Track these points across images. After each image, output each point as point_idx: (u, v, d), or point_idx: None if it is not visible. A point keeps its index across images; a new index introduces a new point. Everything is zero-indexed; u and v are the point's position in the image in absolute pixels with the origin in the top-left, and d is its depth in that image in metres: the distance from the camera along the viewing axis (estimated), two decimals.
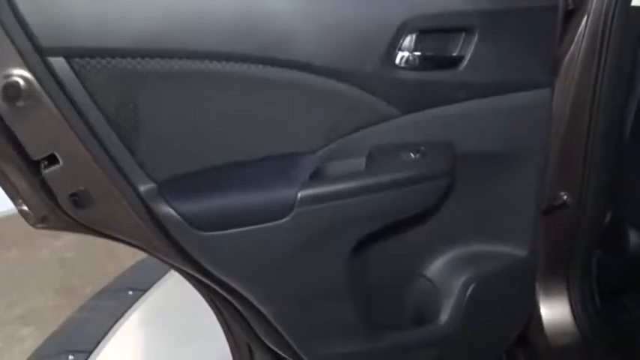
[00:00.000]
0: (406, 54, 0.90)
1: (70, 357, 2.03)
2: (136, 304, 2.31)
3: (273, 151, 0.89)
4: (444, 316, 1.08)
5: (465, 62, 0.92)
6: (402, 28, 0.87)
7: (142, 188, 0.82)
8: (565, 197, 1.23)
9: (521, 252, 1.10)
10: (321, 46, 0.84)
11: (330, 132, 0.92)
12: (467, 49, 0.92)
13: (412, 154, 0.94)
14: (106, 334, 2.17)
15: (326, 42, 0.84)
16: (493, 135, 1.00)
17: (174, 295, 2.25)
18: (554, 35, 0.98)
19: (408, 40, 0.89)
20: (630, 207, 1.31)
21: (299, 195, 0.86)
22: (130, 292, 2.37)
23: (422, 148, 0.94)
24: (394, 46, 0.88)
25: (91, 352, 2.04)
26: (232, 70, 0.81)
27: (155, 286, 2.38)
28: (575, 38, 1.08)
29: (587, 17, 1.05)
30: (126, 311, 2.28)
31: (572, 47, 1.09)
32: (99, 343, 2.10)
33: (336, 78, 0.87)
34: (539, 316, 1.26)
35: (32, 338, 2.37)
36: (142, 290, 2.37)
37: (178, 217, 0.81)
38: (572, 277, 1.29)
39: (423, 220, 1.03)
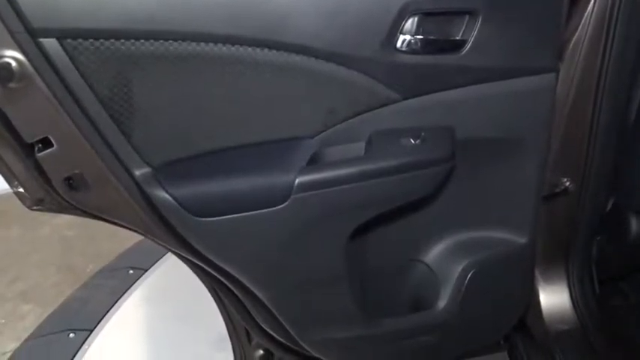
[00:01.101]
0: (407, 37, 0.88)
1: (71, 335, 2.04)
2: (137, 283, 2.32)
3: (271, 136, 0.88)
4: (442, 302, 1.08)
5: (467, 46, 0.90)
6: (403, 10, 0.85)
7: (137, 172, 0.81)
8: (567, 183, 1.22)
9: (520, 238, 1.09)
10: (320, 29, 0.82)
11: (329, 117, 0.90)
12: (470, 33, 0.90)
13: (412, 140, 0.92)
14: (106, 312, 2.18)
15: (325, 25, 0.82)
16: (495, 121, 0.98)
17: (175, 275, 2.26)
18: (560, 19, 0.95)
19: (410, 23, 0.87)
20: (631, 194, 1.30)
21: (296, 181, 0.84)
22: (131, 271, 2.38)
23: (422, 133, 0.93)
24: (395, 29, 0.86)
25: (91, 331, 2.06)
26: (228, 53, 0.79)
27: (156, 265, 2.39)
28: (581, 23, 1.06)
29: (594, 1, 1.03)
30: (127, 290, 2.29)
31: (577, 32, 1.07)
32: (100, 321, 2.11)
33: (336, 62, 0.85)
34: (538, 303, 1.25)
35: (33, 315, 2.39)
36: (142, 269, 2.38)
37: (174, 202, 0.80)
38: (572, 264, 1.29)
39: (422, 206, 1.02)
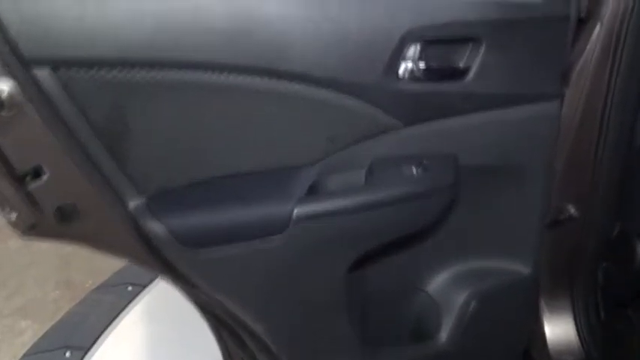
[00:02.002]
0: (409, 65, 0.86)
1: (67, 353, 2.01)
2: (136, 299, 2.29)
3: (269, 165, 0.86)
4: (444, 333, 1.05)
5: (471, 73, 0.88)
6: (405, 37, 0.83)
7: (131, 203, 0.79)
8: (571, 210, 1.20)
9: (524, 268, 1.07)
10: (320, 57, 0.80)
11: (329, 144, 0.88)
12: (473, 60, 0.88)
13: (414, 168, 0.90)
14: (104, 330, 2.15)
15: (325, 52, 0.80)
16: (498, 148, 0.96)
17: (174, 292, 2.22)
18: (565, 46, 0.93)
19: (412, 51, 0.85)
20: (638, 219, 1.27)
21: (295, 211, 0.82)
22: (130, 288, 2.35)
23: (424, 161, 0.91)
24: (397, 56, 0.84)
25: (88, 349, 2.03)
26: (227, 81, 0.77)
27: (155, 282, 2.36)
28: (587, 47, 1.04)
29: (600, 25, 1.01)
30: (125, 307, 2.26)
31: (583, 56, 1.05)
32: (97, 339, 2.08)
33: (336, 89, 0.83)
34: (542, 333, 1.23)
35: (31, 331, 2.36)
36: (141, 286, 2.35)
37: (168, 233, 0.78)
38: (577, 292, 1.26)
39: (424, 235, 0.99)
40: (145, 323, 2.18)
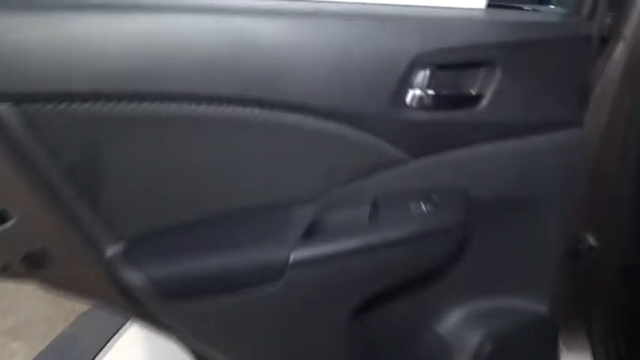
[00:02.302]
0: (418, 92, 0.78)
1: None
2: (129, 322, 2.21)
3: (262, 203, 0.78)
4: None
5: (484, 100, 0.80)
6: (414, 63, 0.75)
7: (108, 249, 0.71)
8: (590, 240, 1.12)
9: (541, 307, 0.99)
10: (319, 85, 0.72)
11: (330, 179, 0.80)
12: (487, 86, 0.80)
13: (422, 205, 0.82)
14: (97, 354, 2.07)
15: (325, 80, 0.73)
16: (514, 180, 0.88)
17: None
18: (588, 68, 0.85)
19: (421, 77, 0.77)
20: None
21: (292, 256, 0.74)
22: None
23: (434, 197, 0.83)
24: (404, 83, 0.76)
25: None
26: (212, 113, 0.69)
27: None
28: (608, 67, 0.96)
29: (624, 43, 0.93)
30: (118, 330, 2.18)
31: (603, 78, 0.97)
32: None
33: (337, 120, 0.75)
34: None
35: (23, 353, 2.28)
36: None
37: (149, 283, 0.70)
38: (595, 327, 1.18)
39: (433, 275, 0.91)
40: (140, 345, 2.10)
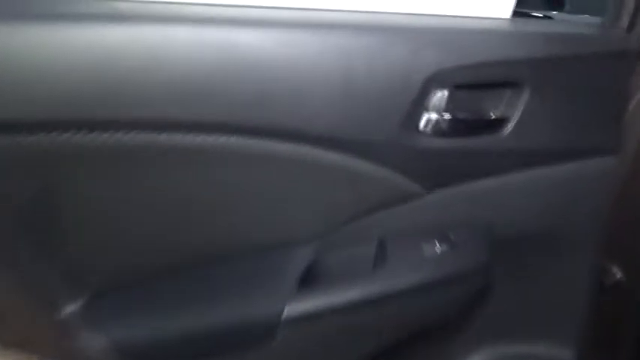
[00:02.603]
0: (433, 116, 0.67)
1: None
2: None
3: (249, 247, 0.66)
4: None
5: (510, 125, 0.69)
6: (429, 82, 0.64)
7: (64, 307, 0.59)
8: (617, 274, 1.01)
9: (565, 353, 0.87)
10: (316, 109, 0.61)
11: (330, 217, 0.69)
12: (513, 109, 0.69)
13: (437, 245, 0.71)
14: None
15: (324, 103, 0.61)
16: (541, 214, 0.77)
17: None
18: (625, 87, 0.74)
19: (437, 99, 0.66)
20: None
21: (285, 311, 0.62)
22: None
23: (450, 235, 0.71)
24: (418, 106, 0.65)
25: None
26: (190, 144, 0.57)
27: None
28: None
29: None
30: None
31: (637, 96, 0.85)
32: None
33: (338, 149, 0.64)
34: None
35: None
36: None
37: (111, 346, 0.58)
38: None
39: (448, 322, 0.79)
40: None
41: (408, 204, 0.71)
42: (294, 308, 0.63)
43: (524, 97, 0.69)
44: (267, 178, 0.63)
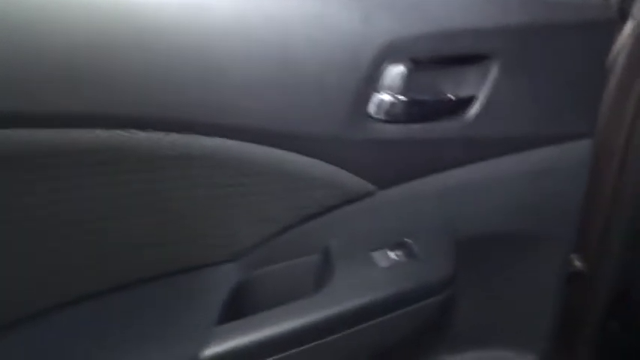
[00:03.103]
0: (387, 98, 0.53)
1: None
2: None
3: (160, 270, 0.51)
4: None
5: (475, 107, 0.57)
6: (381, 57, 0.51)
7: None
8: (578, 264, 0.94)
9: (531, 357, 0.78)
10: (240, 96, 0.47)
11: (263, 227, 0.55)
12: (479, 88, 0.57)
13: (392, 253, 0.59)
14: None
15: (249, 87, 0.47)
16: (512, 209, 0.67)
17: None
18: (604, 62, 0.64)
19: (391, 77, 0.53)
20: None
21: (204, 353, 0.48)
22: None
23: (407, 241, 0.59)
24: (368, 86, 0.52)
25: None
26: (91, 140, 0.42)
27: None
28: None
29: (632, 21, 0.72)
30: None
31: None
32: None
33: (268, 142, 0.50)
34: None
35: None
36: None
37: None
38: (578, 354, 1.02)
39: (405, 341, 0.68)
40: None
41: (357, 204, 0.58)
42: (215, 348, 0.49)
43: (493, 73, 0.57)
44: (181, 183, 0.49)
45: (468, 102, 0.58)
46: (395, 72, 0.53)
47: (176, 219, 0.51)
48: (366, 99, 0.52)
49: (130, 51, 0.42)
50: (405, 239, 0.60)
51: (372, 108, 0.53)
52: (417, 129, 0.56)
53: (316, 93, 0.49)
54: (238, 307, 0.54)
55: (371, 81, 0.51)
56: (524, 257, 0.71)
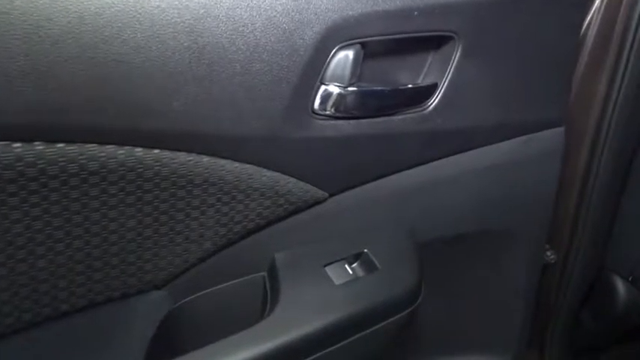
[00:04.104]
0: (333, 90, 0.45)
1: None
2: None
3: (75, 304, 0.42)
4: None
5: (437, 96, 0.50)
6: (326, 40, 0.42)
7: None
8: (551, 256, 0.90)
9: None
10: (155, 95, 0.38)
11: (192, 247, 0.46)
12: (441, 74, 0.50)
13: (348, 267, 0.51)
14: None
15: (167, 83, 0.38)
16: (479, 207, 0.61)
17: None
18: (577, 38, 0.57)
19: (338, 64, 0.44)
20: (621, 260, 1.01)
21: None
22: None
23: (365, 252, 0.52)
24: (311, 76, 0.44)
25: None
26: None
27: None
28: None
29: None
30: None
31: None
32: None
33: (193, 150, 0.41)
34: None
35: None
36: None
37: None
38: (549, 351, 0.98)
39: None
40: None
41: (306, 215, 0.50)
42: None
43: (457, 56, 0.49)
44: (93, 203, 0.40)
45: (427, 91, 0.50)
46: (341, 59, 0.45)
47: (90, 244, 0.42)
48: (307, 91, 0.44)
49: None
50: (363, 250, 0.52)
51: (316, 102, 0.45)
52: (369, 124, 0.49)
53: (243, 86, 0.41)
54: (169, 341, 0.46)
55: (312, 70, 0.43)
56: (495, 257, 0.65)
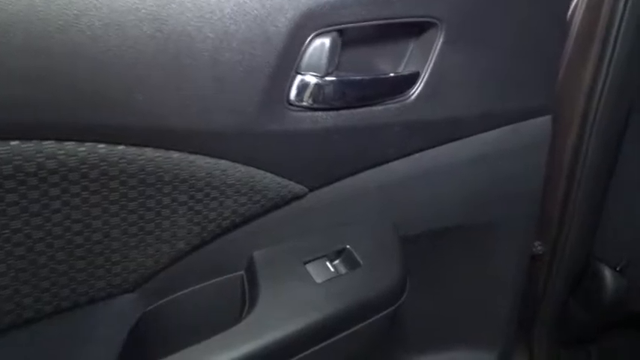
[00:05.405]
0: (310, 80, 0.43)
1: None
2: None
3: (42, 308, 0.40)
4: None
5: (419, 85, 0.48)
6: (301, 27, 0.40)
7: None
8: (537, 246, 0.89)
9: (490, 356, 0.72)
10: (119, 88, 0.35)
11: (165, 248, 0.44)
12: (423, 62, 0.47)
13: (329, 264, 0.49)
14: None
15: (141, 78, 0.36)
16: (464, 200, 0.59)
17: None
18: (564, 37, 0.56)
19: (314, 52, 0.42)
20: (608, 251, 1.00)
21: None
22: None
23: (346, 248, 0.50)
24: (287, 65, 0.41)
25: None
26: None
27: None
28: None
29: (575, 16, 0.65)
30: None
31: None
32: None
33: (162, 146, 0.39)
34: None
35: None
36: None
37: None
38: (537, 342, 0.98)
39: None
40: None
41: (285, 211, 0.48)
42: None
43: (439, 43, 0.47)
44: (56, 203, 0.37)
45: (409, 80, 0.48)
46: (318, 47, 0.42)
47: (54, 247, 0.40)
48: (282, 82, 0.42)
49: None
50: (345, 246, 0.50)
51: (292, 93, 0.43)
52: (349, 115, 0.47)
53: (212, 77, 0.38)
54: (141, 348, 0.44)
55: (287, 59, 0.41)
56: (482, 250, 0.64)
